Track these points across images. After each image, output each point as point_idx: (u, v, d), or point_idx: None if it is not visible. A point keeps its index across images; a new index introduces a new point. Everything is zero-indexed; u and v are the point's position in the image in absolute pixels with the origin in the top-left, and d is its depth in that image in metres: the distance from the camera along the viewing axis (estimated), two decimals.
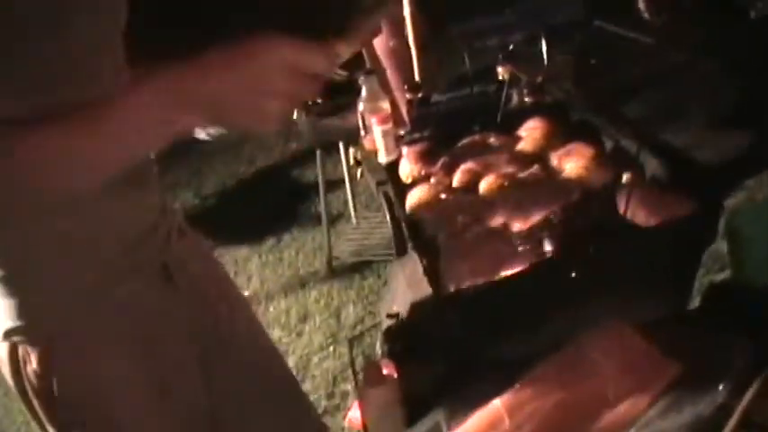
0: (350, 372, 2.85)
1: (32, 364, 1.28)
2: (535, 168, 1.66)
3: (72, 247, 1.25)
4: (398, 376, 1.66)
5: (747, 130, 1.59)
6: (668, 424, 1.14)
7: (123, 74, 1.19)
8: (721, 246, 1.53)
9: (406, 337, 1.60)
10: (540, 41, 2.22)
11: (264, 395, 1.62)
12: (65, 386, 1.29)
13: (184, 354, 1.44)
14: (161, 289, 1.39)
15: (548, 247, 1.54)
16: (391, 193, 1.90)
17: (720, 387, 1.19)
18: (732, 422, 1.12)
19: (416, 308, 1.63)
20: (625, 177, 1.57)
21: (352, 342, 1.79)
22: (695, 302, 1.62)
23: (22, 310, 1.26)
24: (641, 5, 1.88)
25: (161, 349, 1.38)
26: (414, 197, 1.69)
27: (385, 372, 1.72)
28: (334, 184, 4.47)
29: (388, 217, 1.98)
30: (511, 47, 2.35)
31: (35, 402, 1.32)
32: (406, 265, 1.80)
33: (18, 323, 1.26)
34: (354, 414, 2.45)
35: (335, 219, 4.38)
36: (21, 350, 1.28)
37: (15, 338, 1.28)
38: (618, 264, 1.47)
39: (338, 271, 3.96)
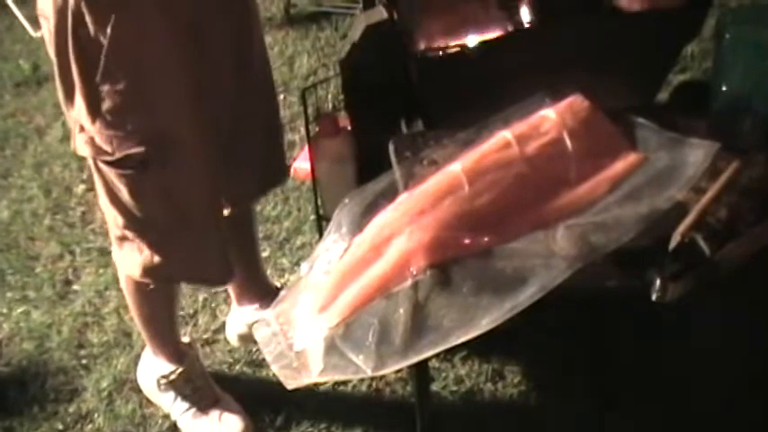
0: (298, 122, 2.82)
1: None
2: None
3: None
4: (353, 130, 1.63)
5: None
6: (625, 212, 1.13)
7: None
8: (701, 45, 1.48)
9: (364, 90, 1.53)
10: None
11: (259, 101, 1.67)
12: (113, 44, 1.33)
13: (225, 49, 1.51)
14: None
15: (525, 16, 1.48)
16: None
17: (680, 184, 1.18)
18: (688, 220, 1.12)
19: (370, 30, 1.55)
20: None
21: (304, 92, 1.72)
22: (663, 97, 1.60)
23: None
24: None
25: (206, 39, 1.45)
26: None
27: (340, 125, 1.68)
28: None
29: None
30: None
31: (72, 55, 1.36)
32: (371, 18, 1.70)
33: None
34: (300, 164, 2.43)
35: None
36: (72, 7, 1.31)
37: None
38: (594, 44, 1.41)
39: (295, 19, 3.82)
